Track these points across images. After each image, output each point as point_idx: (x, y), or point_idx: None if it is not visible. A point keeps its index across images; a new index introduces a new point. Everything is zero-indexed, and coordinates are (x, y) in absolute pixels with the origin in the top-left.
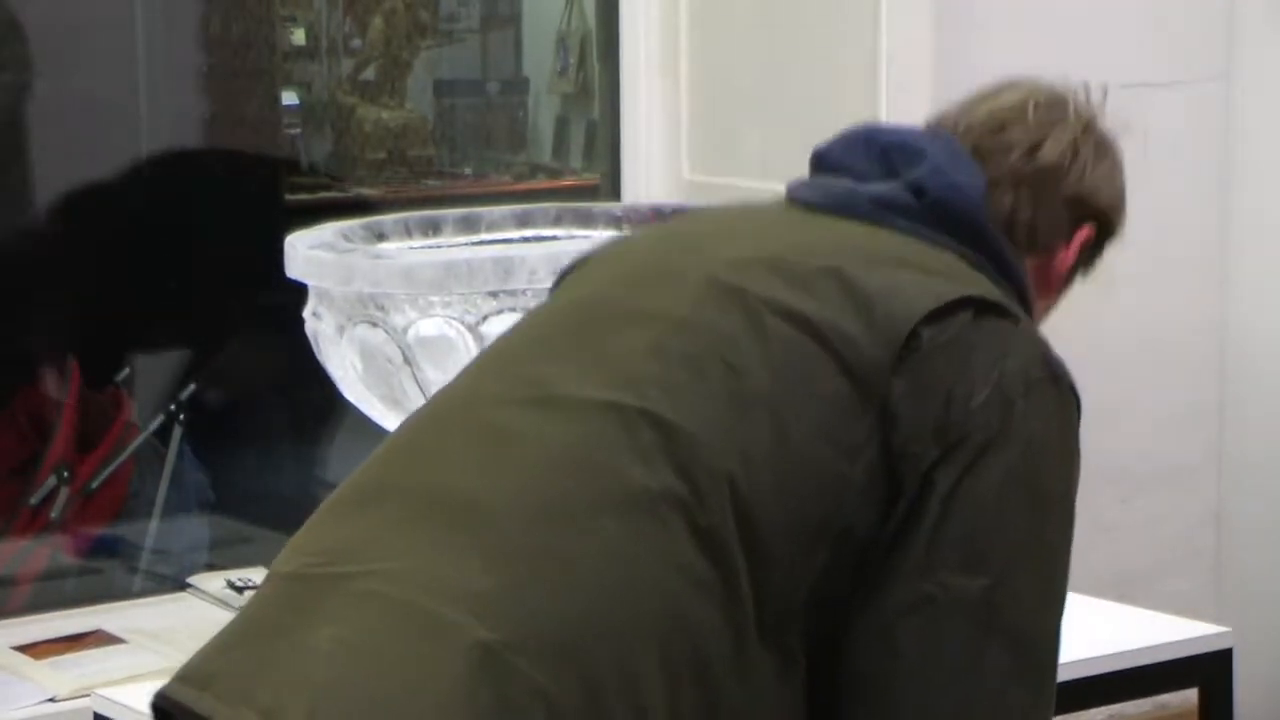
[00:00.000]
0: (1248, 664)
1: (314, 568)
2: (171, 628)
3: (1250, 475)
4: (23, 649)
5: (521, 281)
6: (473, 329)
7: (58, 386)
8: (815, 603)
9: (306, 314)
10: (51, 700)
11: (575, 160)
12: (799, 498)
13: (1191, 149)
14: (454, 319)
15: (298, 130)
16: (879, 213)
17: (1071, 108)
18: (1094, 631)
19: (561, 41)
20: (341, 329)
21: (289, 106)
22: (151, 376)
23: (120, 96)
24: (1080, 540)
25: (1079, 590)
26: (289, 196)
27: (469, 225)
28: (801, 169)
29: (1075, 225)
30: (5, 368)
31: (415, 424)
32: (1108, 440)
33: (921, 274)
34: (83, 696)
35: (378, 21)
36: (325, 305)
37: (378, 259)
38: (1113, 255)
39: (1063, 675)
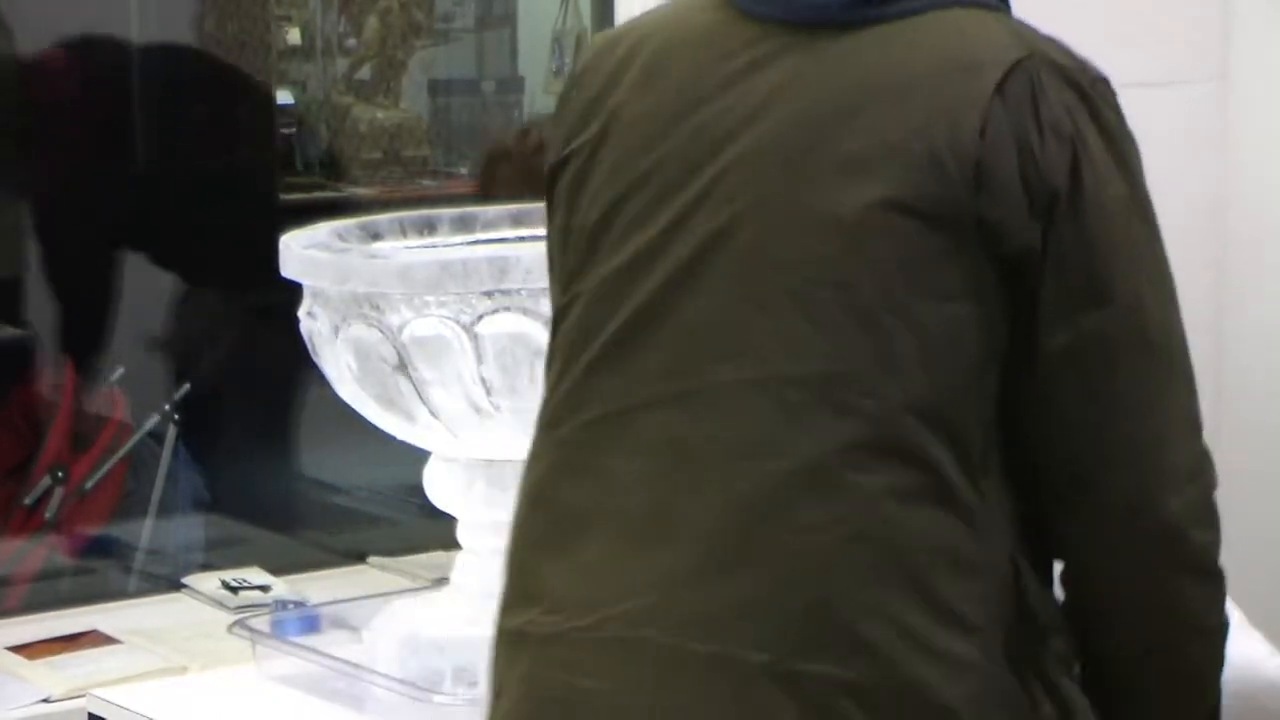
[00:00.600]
0: None
1: (544, 626)
2: (167, 628)
3: (1246, 476)
4: (18, 649)
5: (517, 281)
6: (468, 329)
7: (52, 387)
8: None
9: (301, 313)
10: (46, 700)
11: None
12: (953, 362)
13: (1186, 150)
14: (449, 319)
15: (293, 129)
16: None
17: None
18: None
19: (557, 41)
20: (336, 329)
21: (284, 106)
22: (145, 376)
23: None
24: None
25: None
26: (283, 196)
27: (464, 225)
28: None
29: None
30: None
31: (560, 442)
32: None
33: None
34: (78, 697)
35: (373, 21)
36: (320, 305)
37: (373, 258)
38: None
39: None
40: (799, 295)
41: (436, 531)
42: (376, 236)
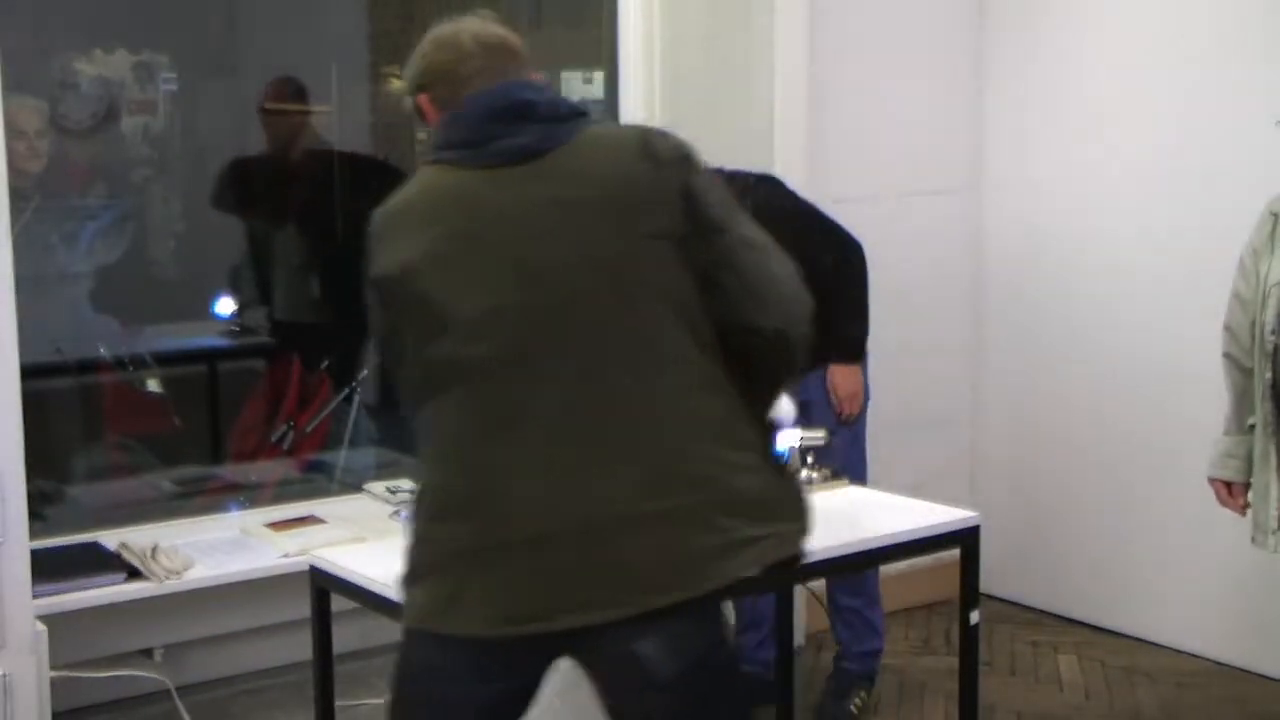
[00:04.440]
0: (985, 534)
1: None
2: (354, 514)
3: (994, 427)
4: (269, 526)
5: None
6: None
7: (286, 371)
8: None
9: None
10: (286, 556)
11: None
12: (689, 294)
13: (951, 232)
14: None
15: None
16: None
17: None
18: (899, 514)
19: None
20: None
21: None
22: (342, 364)
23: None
24: (892, 455)
25: (891, 490)
26: None
27: None
28: None
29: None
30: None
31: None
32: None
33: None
34: (304, 554)
35: None
36: None
37: None
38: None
39: (880, 541)
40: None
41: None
42: None
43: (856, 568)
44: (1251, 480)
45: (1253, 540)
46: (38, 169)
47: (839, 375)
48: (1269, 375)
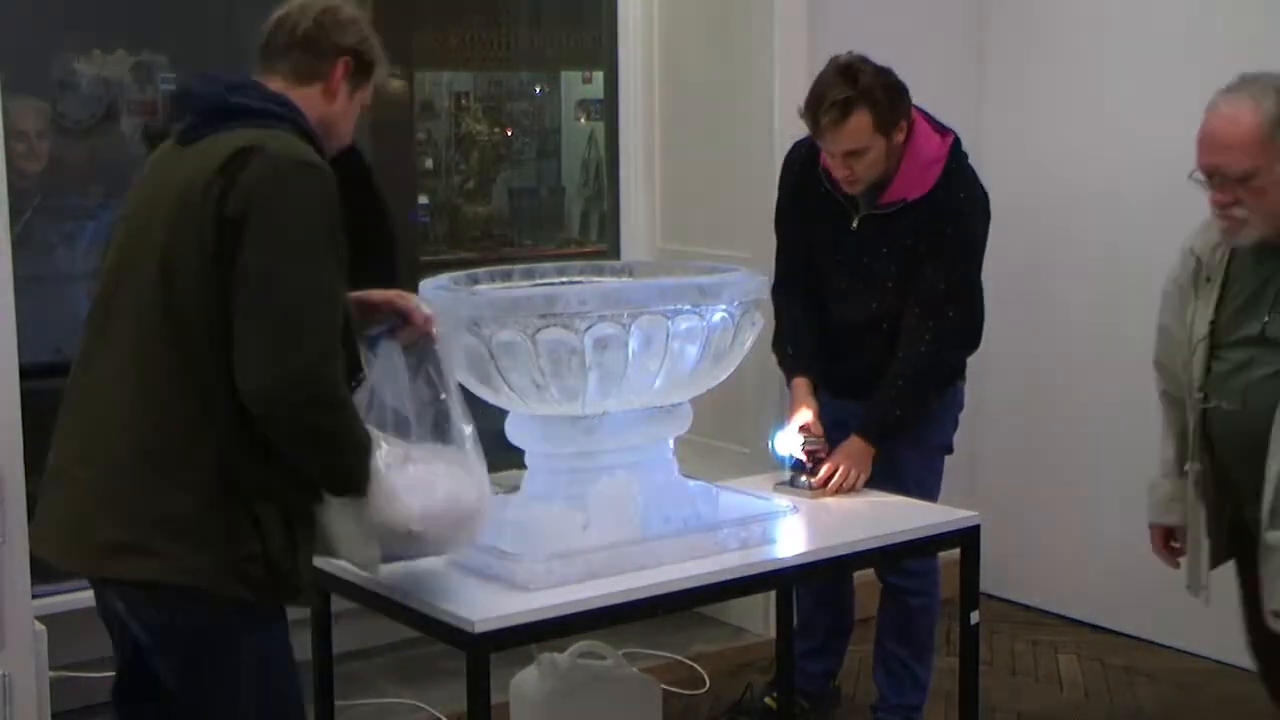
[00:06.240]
0: (985, 534)
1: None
2: None
3: (994, 427)
4: None
5: (561, 308)
6: (531, 337)
7: None
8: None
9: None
10: None
11: (592, 235)
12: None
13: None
14: (520, 330)
15: (427, 218)
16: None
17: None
18: (899, 514)
19: (584, 164)
20: (452, 337)
21: (422, 204)
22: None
23: None
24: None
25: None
26: (421, 258)
27: (529, 274)
28: (731, 239)
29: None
30: None
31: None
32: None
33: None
34: None
35: (475, 154)
36: (443, 322)
37: (474, 295)
38: None
39: (880, 541)
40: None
41: (511, 458)
42: (476, 281)
43: (856, 567)
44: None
45: (1188, 588)
46: (38, 169)
47: (852, 446)
48: (1198, 428)
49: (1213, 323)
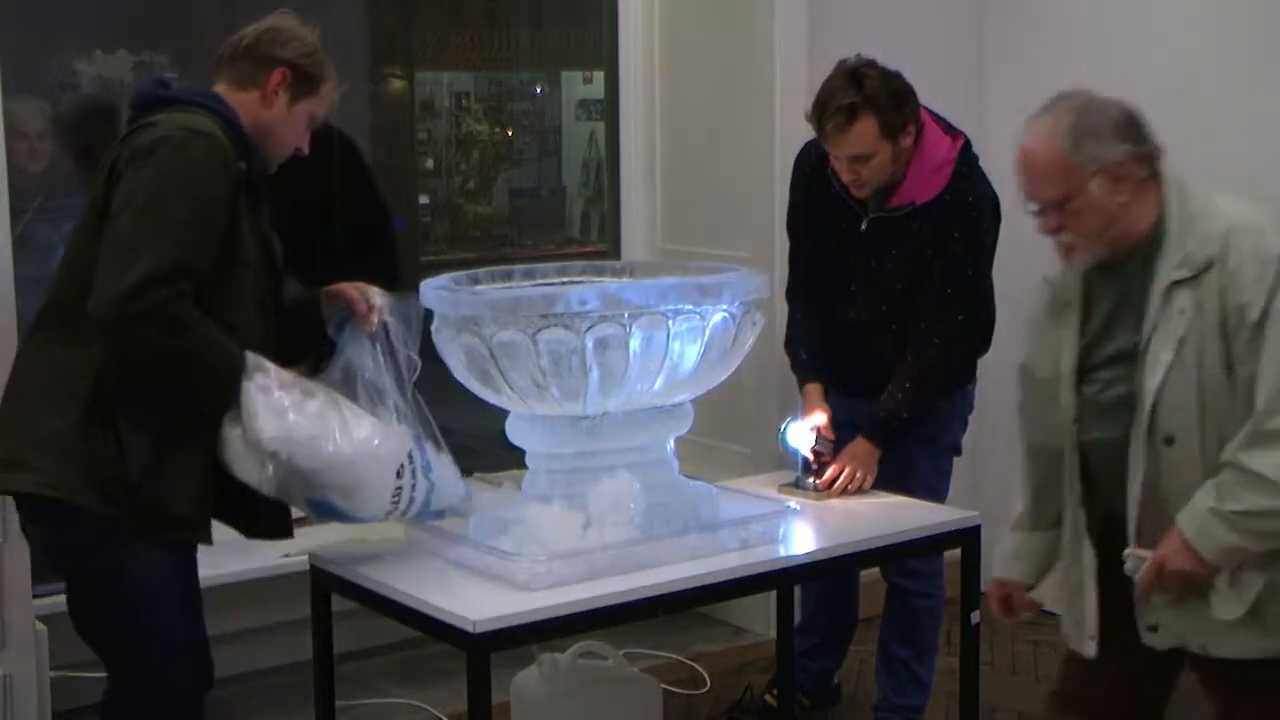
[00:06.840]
0: (986, 534)
1: None
2: None
3: (996, 427)
4: None
5: (561, 308)
6: (532, 337)
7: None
8: None
9: (433, 328)
10: (286, 556)
11: (593, 235)
12: None
13: None
14: (521, 330)
15: (428, 219)
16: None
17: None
18: (900, 514)
19: (585, 165)
20: (453, 337)
21: (423, 205)
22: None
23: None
24: None
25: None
26: (422, 258)
27: (529, 274)
28: (731, 240)
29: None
30: None
31: None
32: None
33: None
34: (304, 554)
35: (476, 154)
36: (444, 322)
37: (475, 294)
38: None
39: (880, 541)
40: None
41: (512, 458)
42: (476, 281)
43: (856, 567)
44: (1060, 578)
45: (1068, 641)
46: (39, 169)
47: (858, 448)
48: (1075, 462)
49: (1081, 347)
